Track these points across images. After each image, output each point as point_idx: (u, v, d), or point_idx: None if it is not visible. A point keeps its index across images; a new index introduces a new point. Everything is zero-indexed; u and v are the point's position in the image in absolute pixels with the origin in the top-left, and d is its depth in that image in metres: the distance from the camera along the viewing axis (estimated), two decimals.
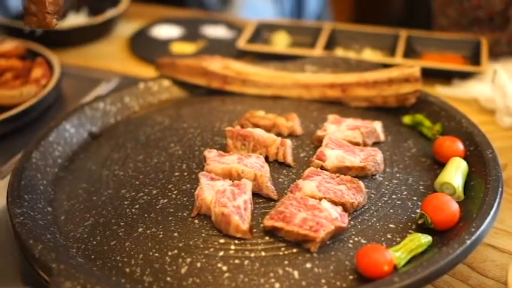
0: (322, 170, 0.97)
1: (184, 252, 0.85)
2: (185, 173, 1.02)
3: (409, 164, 1.03)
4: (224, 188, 0.91)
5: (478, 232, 0.81)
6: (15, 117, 1.20)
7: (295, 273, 0.80)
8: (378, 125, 1.09)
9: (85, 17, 1.74)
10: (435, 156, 1.03)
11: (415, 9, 2.08)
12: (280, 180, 0.99)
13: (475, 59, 1.44)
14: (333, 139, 1.03)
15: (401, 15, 2.34)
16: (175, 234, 0.88)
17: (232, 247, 0.85)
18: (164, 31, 1.73)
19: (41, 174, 1.02)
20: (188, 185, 0.98)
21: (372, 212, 0.91)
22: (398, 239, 0.86)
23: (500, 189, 0.90)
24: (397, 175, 0.99)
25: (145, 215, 0.92)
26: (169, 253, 0.85)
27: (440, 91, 1.37)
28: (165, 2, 2.01)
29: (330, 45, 1.54)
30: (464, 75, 1.41)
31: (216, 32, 1.72)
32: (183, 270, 0.82)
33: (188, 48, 1.64)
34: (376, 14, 2.48)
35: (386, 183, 0.97)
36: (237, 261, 0.83)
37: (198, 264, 0.82)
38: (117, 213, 0.94)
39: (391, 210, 0.91)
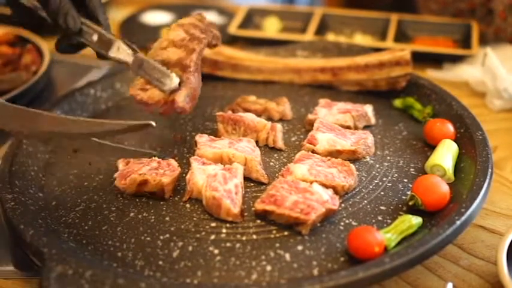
0: (314, 153, 0.97)
1: (176, 236, 0.85)
2: (176, 158, 1.02)
3: (400, 146, 1.03)
4: (215, 172, 0.91)
5: (468, 213, 0.82)
6: None
7: (287, 255, 0.81)
8: (368, 109, 1.09)
9: None
10: (426, 139, 1.03)
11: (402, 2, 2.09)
12: (272, 164, 0.99)
13: (466, 43, 1.45)
14: (324, 123, 1.03)
15: (390, 5, 2.34)
16: (167, 218, 0.88)
17: (224, 231, 0.85)
18: (154, 17, 1.72)
19: (32, 160, 1.01)
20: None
21: (362, 194, 0.91)
22: (389, 221, 0.86)
23: (490, 170, 0.90)
24: (388, 158, 1.00)
25: (137, 200, 0.92)
26: (161, 237, 0.85)
27: (431, 75, 1.37)
28: None
29: (321, 30, 1.54)
30: (455, 59, 1.41)
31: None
32: (174, 254, 0.82)
33: None
34: (367, 1, 2.47)
35: (377, 165, 0.98)
36: (228, 244, 0.83)
37: (190, 248, 0.83)
38: (109, 199, 0.93)
39: (382, 193, 0.92)
